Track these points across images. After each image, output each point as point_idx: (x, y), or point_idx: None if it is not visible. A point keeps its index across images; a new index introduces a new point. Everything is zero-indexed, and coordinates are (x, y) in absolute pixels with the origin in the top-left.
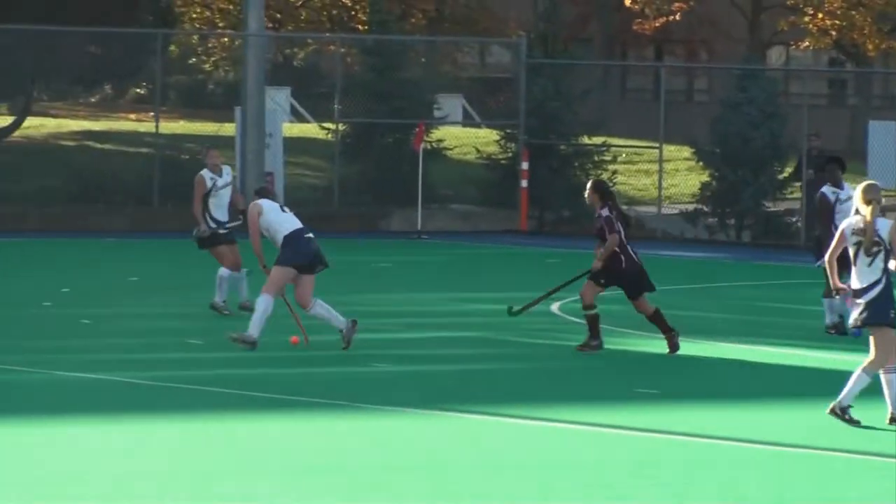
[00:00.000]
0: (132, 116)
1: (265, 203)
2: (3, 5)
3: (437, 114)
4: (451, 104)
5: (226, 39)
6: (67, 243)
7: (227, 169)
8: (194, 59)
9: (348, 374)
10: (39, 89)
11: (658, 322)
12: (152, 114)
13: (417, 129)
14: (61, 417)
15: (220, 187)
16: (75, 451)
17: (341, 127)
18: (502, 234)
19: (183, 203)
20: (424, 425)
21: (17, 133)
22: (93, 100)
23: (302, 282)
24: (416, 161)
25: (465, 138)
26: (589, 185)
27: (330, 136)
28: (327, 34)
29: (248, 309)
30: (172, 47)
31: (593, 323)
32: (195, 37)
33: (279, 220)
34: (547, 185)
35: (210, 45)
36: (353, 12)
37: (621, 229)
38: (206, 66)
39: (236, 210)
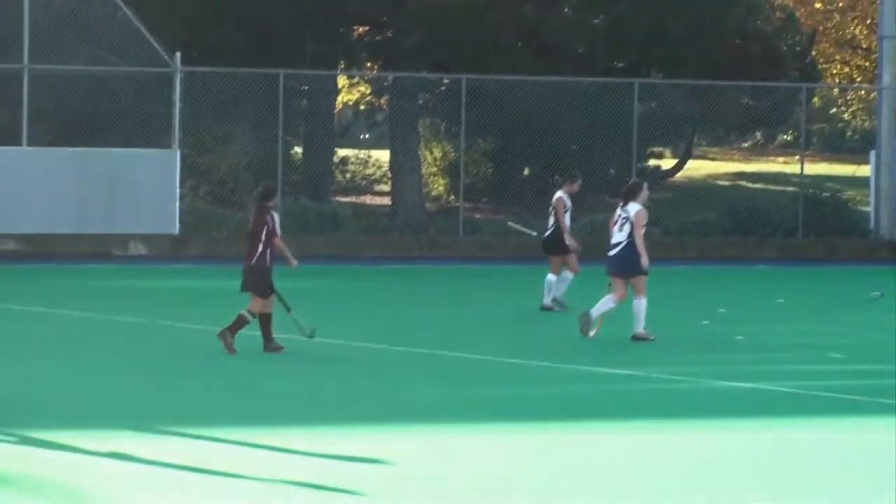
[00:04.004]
0: (780, 159)
1: None
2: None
3: None
4: None
5: (862, 92)
6: (722, 271)
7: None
8: (835, 110)
9: None
10: (699, 136)
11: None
12: (797, 157)
13: None
14: (708, 421)
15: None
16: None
17: None
18: None
19: (826, 235)
20: None
21: (679, 174)
22: (745, 145)
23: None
24: None
25: None
26: None
27: None
28: None
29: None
30: (815, 99)
31: None
32: (835, 90)
33: None
34: None
35: (849, 97)
36: None
37: None
38: (845, 115)
39: None
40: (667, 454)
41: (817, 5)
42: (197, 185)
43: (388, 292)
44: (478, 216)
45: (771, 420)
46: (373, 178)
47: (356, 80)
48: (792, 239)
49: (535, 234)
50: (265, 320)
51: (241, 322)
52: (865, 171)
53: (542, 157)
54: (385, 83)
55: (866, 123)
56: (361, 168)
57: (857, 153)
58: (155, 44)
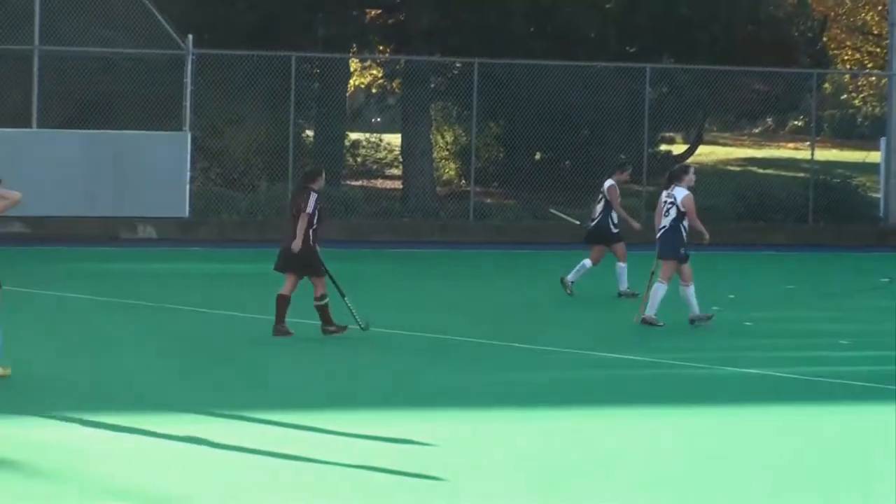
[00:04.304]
0: (790, 145)
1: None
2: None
3: None
4: None
5: (873, 79)
6: (732, 256)
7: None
8: (845, 96)
9: None
10: (710, 121)
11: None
12: (808, 143)
13: None
14: (725, 407)
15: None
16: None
17: None
18: None
19: (835, 222)
20: None
21: (690, 159)
22: (756, 131)
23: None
24: None
25: None
26: None
27: None
28: None
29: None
30: (826, 85)
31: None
32: (846, 76)
33: None
34: None
35: (860, 83)
36: None
37: None
38: (856, 101)
39: None
40: (674, 440)
41: None
42: (208, 167)
43: (399, 277)
44: (488, 201)
45: (779, 406)
46: (384, 161)
47: (368, 63)
48: (802, 225)
49: (578, 222)
50: (283, 302)
51: (322, 309)
52: (876, 157)
53: (553, 142)
54: (397, 67)
55: (877, 110)
56: (373, 152)
57: (867, 139)
58: (167, 26)
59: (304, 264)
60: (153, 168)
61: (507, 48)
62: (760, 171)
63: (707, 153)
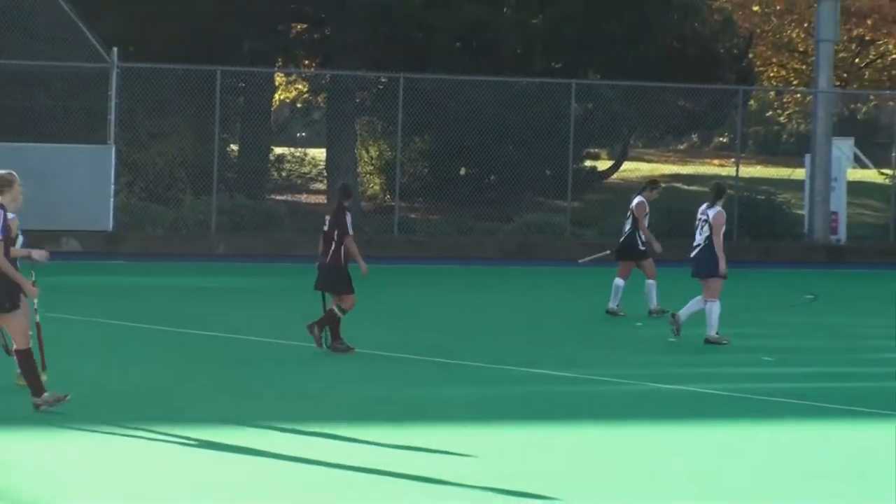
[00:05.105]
0: (715, 162)
1: None
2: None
3: None
4: None
5: (798, 95)
6: (658, 272)
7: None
8: (770, 112)
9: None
10: (636, 137)
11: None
12: (733, 159)
13: None
14: (645, 423)
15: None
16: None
17: None
18: None
19: (760, 238)
20: None
21: (615, 175)
22: (681, 147)
23: None
24: None
25: None
26: None
27: (888, 180)
28: (888, 91)
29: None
30: (752, 102)
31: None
32: (772, 93)
33: None
34: None
35: (785, 100)
36: None
37: None
38: (781, 118)
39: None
40: (598, 455)
41: (755, 8)
42: (132, 181)
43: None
44: (413, 216)
45: (700, 423)
46: (309, 176)
47: (293, 77)
48: (726, 241)
49: (608, 251)
50: (332, 319)
51: (330, 317)
52: (801, 174)
53: (478, 157)
54: (322, 81)
55: (802, 127)
56: (297, 166)
57: (792, 156)
58: (92, 39)
59: (330, 280)
60: (77, 181)
61: (433, 63)
62: (685, 187)
63: (632, 169)
